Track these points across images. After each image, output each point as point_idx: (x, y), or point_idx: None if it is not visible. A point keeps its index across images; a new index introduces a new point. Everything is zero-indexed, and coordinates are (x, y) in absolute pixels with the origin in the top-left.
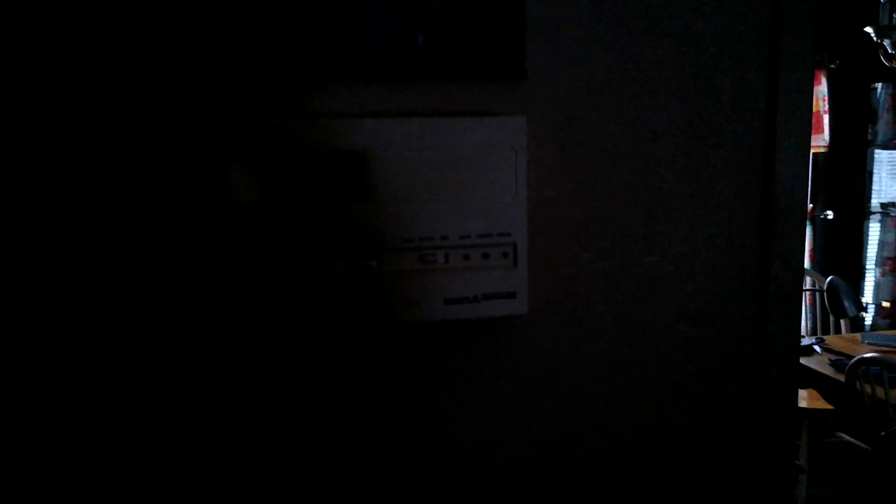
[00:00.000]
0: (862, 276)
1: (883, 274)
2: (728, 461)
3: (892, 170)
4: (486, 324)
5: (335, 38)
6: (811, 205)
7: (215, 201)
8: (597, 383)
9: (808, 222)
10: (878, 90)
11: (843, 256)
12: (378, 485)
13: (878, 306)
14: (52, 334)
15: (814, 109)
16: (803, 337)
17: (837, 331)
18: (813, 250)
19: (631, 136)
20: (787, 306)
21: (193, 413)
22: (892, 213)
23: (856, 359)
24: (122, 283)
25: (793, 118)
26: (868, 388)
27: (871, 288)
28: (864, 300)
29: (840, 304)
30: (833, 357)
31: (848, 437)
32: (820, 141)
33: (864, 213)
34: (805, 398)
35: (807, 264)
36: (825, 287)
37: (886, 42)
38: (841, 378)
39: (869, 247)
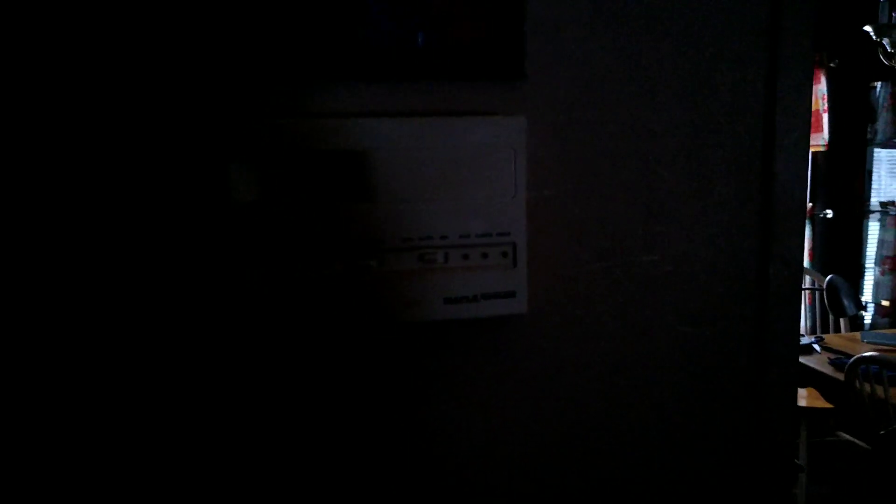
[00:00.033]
0: (861, 275)
1: (882, 273)
2: (728, 461)
3: (891, 168)
4: (486, 323)
5: (335, 38)
6: (811, 204)
7: (216, 201)
8: (597, 383)
9: (807, 221)
10: (878, 89)
11: (842, 255)
12: (378, 485)
13: (878, 305)
14: (53, 334)
15: (813, 108)
16: (803, 336)
17: (837, 330)
18: (812, 249)
19: (631, 135)
20: (787, 306)
21: (193, 413)
22: (891, 212)
23: (855, 358)
24: (122, 283)
25: (792, 118)
26: (868, 387)
27: (871, 287)
28: (863, 299)
29: (839, 302)
30: (832, 356)
31: (847, 436)
32: (819, 140)
33: (864, 212)
34: (804, 397)
35: (806, 263)
36: (825, 286)
37: (886, 41)
38: (840, 377)
39: (868, 246)
